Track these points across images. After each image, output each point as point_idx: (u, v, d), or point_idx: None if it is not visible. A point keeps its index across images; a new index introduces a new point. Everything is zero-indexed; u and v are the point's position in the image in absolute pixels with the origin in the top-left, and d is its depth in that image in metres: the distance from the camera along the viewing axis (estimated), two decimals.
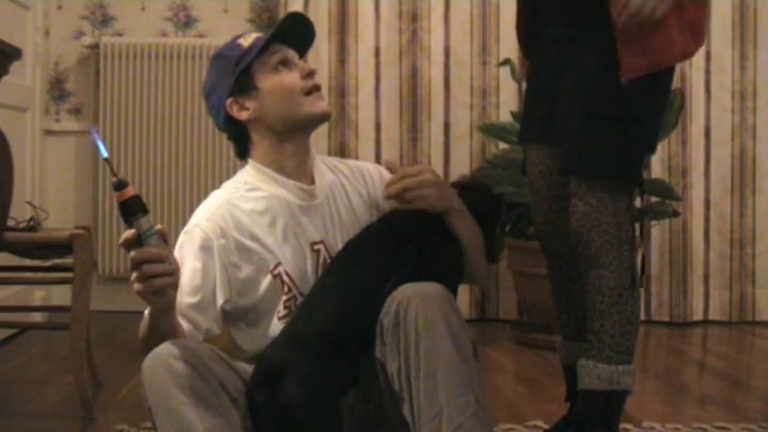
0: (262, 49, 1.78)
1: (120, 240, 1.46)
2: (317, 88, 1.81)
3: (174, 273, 1.49)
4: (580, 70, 1.94)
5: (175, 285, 1.51)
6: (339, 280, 1.67)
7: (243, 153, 1.85)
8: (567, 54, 1.98)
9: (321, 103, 1.81)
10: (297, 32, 1.84)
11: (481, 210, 1.89)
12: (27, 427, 2.45)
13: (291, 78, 1.79)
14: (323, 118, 1.83)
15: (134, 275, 1.46)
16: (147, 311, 1.61)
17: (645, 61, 1.89)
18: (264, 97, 1.78)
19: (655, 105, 1.97)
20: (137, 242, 1.45)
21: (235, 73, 1.78)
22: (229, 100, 1.79)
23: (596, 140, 1.92)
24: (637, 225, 3.67)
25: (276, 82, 1.78)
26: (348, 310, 1.60)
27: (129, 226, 1.45)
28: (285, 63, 1.80)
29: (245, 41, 1.81)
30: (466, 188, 1.93)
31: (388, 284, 1.60)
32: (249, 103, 1.79)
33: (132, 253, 1.45)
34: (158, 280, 1.46)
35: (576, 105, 1.93)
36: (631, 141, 1.94)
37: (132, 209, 1.44)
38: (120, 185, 1.43)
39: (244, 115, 1.79)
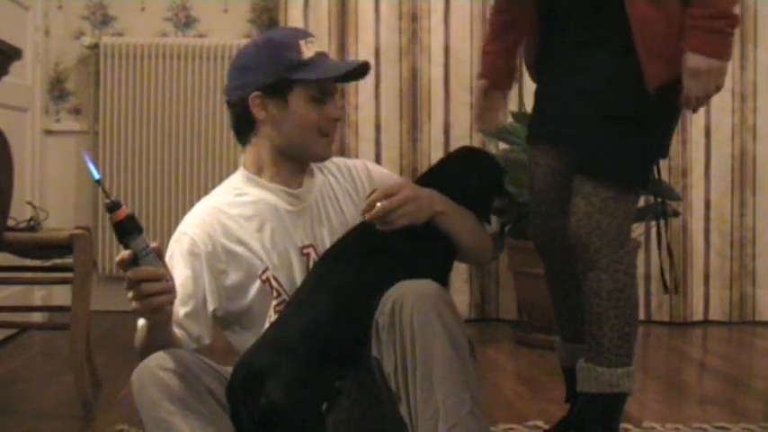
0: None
1: (117, 260, 1.46)
2: (333, 132, 1.80)
3: (171, 290, 1.50)
4: (596, 72, 1.93)
5: (172, 302, 1.52)
6: (321, 286, 1.64)
7: (243, 140, 1.83)
8: (582, 56, 1.96)
9: (328, 149, 1.82)
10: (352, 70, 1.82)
11: (482, 173, 1.87)
12: (27, 427, 2.45)
13: (318, 114, 1.77)
14: (321, 161, 1.84)
15: (131, 294, 1.47)
16: (141, 323, 1.61)
17: (668, 69, 1.86)
18: (287, 115, 1.76)
19: (671, 111, 1.96)
20: (133, 262, 1.45)
21: (278, 73, 1.74)
22: (256, 93, 1.76)
23: (610, 141, 1.91)
24: (638, 224, 3.68)
25: (304, 110, 1.76)
26: (332, 315, 1.58)
27: (125, 246, 1.44)
28: (324, 93, 1.77)
29: (307, 49, 1.76)
30: (458, 159, 1.92)
31: (373, 291, 1.58)
32: (272, 107, 1.76)
33: (129, 273, 1.45)
34: (156, 298, 1.47)
35: (591, 106, 1.92)
36: (646, 145, 1.93)
37: (127, 229, 1.43)
38: (113, 207, 1.42)
39: (261, 114, 1.77)
